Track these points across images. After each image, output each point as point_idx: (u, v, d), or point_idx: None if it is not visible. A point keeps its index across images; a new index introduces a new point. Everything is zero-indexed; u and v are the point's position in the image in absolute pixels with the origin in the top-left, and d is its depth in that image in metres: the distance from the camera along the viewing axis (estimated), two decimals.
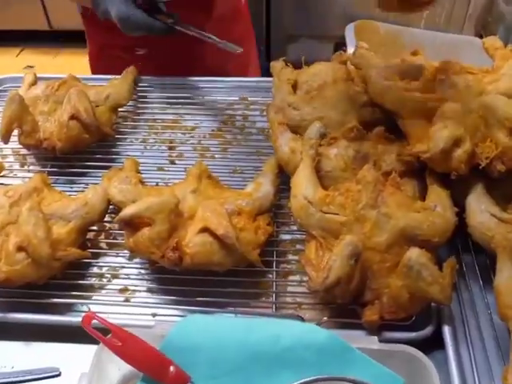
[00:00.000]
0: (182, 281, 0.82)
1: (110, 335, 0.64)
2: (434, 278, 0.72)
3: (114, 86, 1.06)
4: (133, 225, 0.80)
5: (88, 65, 1.42)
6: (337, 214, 0.79)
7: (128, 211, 0.79)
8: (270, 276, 0.84)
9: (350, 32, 1.97)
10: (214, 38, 1.00)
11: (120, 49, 1.29)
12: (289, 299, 0.83)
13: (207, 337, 0.64)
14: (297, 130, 0.95)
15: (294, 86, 1.03)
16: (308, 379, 0.60)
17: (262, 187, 0.88)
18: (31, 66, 2.84)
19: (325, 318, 0.78)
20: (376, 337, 0.67)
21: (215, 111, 1.14)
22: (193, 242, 0.79)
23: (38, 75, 1.12)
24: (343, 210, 0.79)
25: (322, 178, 0.87)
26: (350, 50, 1.95)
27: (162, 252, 0.78)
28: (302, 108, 0.96)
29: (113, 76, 1.12)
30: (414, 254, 0.72)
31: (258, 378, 0.62)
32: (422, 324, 0.76)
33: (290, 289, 0.84)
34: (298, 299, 0.82)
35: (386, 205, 0.77)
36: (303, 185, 0.82)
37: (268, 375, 0.62)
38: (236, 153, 1.05)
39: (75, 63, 2.73)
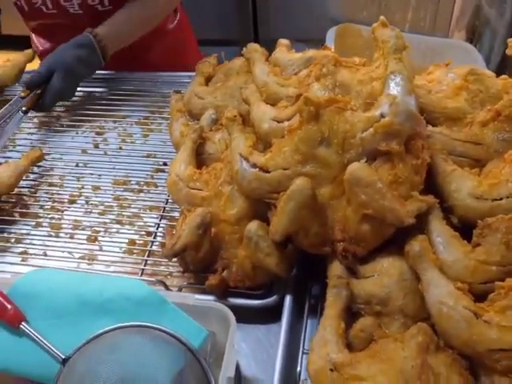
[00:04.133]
0: (69, 245, 0.94)
1: None
2: (271, 250, 0.78)
3: (3, 66, 1.19)
4: None
5: None
6: (201, 190, 0.86)
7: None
8: (148, 247, 0.93)
9: (330, 36, 2.02)
10: None
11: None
12: (163, 268, 0.91)
13: (47, 286, 0.73)
14: (199, 117, 1.03)
15: (209, 79, 1.12)
16: (123, 324, 0.69)
17: None
18: None
19: (184, 283, 0.86)
20: (195, 296, 0.73)
21: (147, 103, 1.23)
22: None
23: None
24: (207, 186, 0.86)
25: (206, 159, 0.94)
26: None
27: None
28: (206, 97, 1.04)
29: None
30: (253, 226, 0.79)
31: (82, 321, 0.71)
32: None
33: None
34: (171, 268, 0.90)
35: None
36: (178, 164, 0.90)
37: (92, 320, 0.70)
38: (154, 139, 1.14)
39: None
